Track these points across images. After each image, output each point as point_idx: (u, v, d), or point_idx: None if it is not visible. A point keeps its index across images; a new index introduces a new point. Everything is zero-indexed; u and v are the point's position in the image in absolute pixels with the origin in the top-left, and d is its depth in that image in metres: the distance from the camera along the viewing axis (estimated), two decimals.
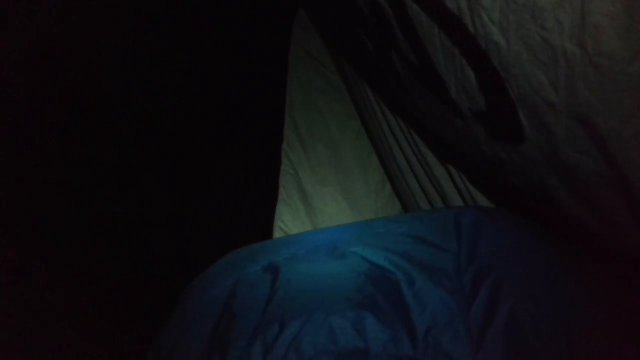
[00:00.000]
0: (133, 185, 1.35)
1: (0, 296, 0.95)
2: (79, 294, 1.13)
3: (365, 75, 1.51)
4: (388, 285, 0.88)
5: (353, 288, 0.88)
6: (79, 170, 1.15)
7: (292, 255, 1.04)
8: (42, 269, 1.04)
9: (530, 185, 0.96)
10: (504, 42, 0.75)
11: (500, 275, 0.84)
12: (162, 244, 1.48)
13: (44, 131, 1.04)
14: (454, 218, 1.02)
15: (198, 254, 1.58)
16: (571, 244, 0.94)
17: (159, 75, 1.39)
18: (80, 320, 1.12)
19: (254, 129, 1.82)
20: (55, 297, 1.07)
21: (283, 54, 1.79)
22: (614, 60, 0.62)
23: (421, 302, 0.82)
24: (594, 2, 0.60)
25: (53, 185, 1.08)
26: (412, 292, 0.85)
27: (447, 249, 0.94)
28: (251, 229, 1.77)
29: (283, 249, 1.08)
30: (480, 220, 0.99)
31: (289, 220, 1.75)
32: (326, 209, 1.75)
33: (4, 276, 0.96)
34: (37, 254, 1.03)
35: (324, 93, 1.78)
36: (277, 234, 1.74)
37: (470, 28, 0.79)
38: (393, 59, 1.12)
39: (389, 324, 0.79)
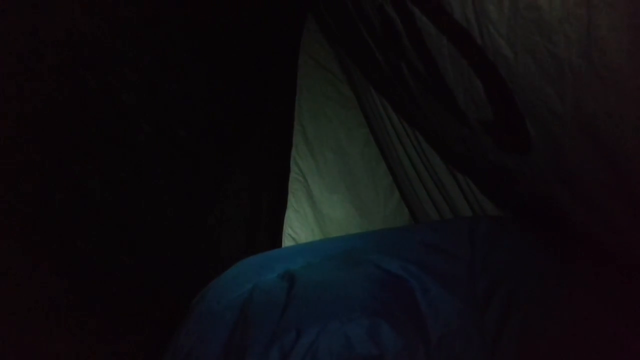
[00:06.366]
0: (143, 192, 1.35)
1: (6, 297, 0.96)
2: (88, 299, 1.13)
3: (373, 84, 1.52)
4: (403, 293, 0.88)
5: (368, 296, 0.89)
6: (89, 176, 1.15)
7: (308, 264, 1.05)
8: (50, 273, 1.04)
9: (537, 194, 0.97)
10: (511, 55, 0.76)
11: (513, 284, 0.84)
12: (172, 250, 1.49)
13: (55, 137, 1.05)
14: (469, 227, 1.02)
15: (207, 261, 1.60)
16: (582, 252, 0.94)
17: (170, 82, 1.39)
18: (86, 324, 1.12)
19: (263, 136, 1.83)
20: (62, 301, 1.08)
21: (292, 62, 1.81)
22: (620, 73, 0.63)
23: (435, 309, 0.83)
24: (600, 16, 0.61)
25: (63, 190, 1.08)
26: (426, 300, 0.85)
27: (461, 258, 0.94)
28: (260, 236, 1.78)
29: (298, 258, 1.09)
30: (494, 230, 0.99)
31: (297, 227, 1.75)
32: (335, 216, 1.75)
33: (12, 277, 0.97)
34: (46, 258, 1.04)
35: (333, 101, 1.79)
36: (286, 240, 1.74)
37: (479, 41, 0.80)
38: (401, 68, 1.13)
39: (404, 331, 0.80)
